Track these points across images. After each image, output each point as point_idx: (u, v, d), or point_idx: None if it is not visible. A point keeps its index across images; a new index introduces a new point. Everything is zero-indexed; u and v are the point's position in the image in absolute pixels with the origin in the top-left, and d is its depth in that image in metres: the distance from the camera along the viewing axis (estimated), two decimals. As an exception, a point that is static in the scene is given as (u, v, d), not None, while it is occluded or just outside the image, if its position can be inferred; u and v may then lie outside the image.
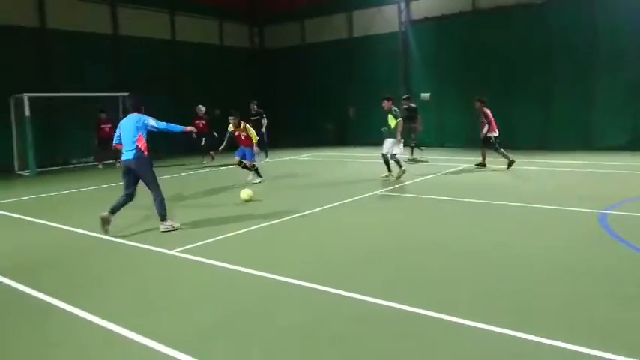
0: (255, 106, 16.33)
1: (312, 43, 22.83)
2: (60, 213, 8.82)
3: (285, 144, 20.67)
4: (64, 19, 17.17)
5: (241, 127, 11.51)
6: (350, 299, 4.45)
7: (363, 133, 19.94)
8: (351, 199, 9.17)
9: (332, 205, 8.66)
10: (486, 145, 12.68)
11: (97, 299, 4.75)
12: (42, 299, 4.77)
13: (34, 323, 4.27)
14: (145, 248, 6.42)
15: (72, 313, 4.41)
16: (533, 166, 12.95)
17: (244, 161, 11.64)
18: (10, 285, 5.20)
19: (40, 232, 7.61)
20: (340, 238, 6.72)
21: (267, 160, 16.05)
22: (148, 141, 7.10)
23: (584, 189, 9.60)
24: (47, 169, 15.42)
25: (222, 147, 12.32)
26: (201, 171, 14.36)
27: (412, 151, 15.20)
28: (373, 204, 9.00)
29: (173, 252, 6.13)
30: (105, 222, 6.99)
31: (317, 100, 22.51)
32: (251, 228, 7.22)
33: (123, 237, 6.98)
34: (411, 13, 19.68)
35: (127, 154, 6.99)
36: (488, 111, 12.58)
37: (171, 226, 7.24)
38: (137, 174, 7.09)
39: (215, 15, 22.50)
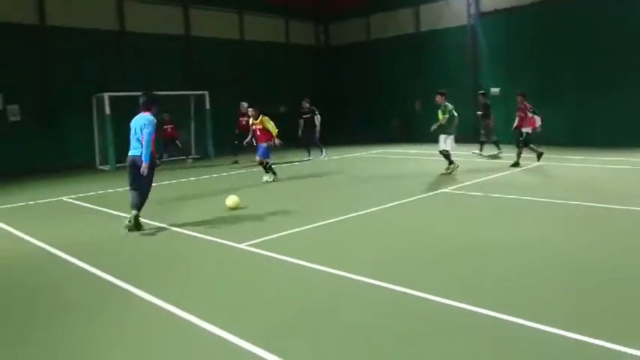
0: (307, 104, 16.10)
1: (377, 39, 22.65)
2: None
3: (349, 141, 20.63)
4: (140, 22, 18.11)
5: (259, 120, 11.24)
6: (416, 298, 4.41)
7: (430, 129, 19.48)
8: (417, 197, 9.06)
9: (396, 203, 8.58)
10: (525, 141, 12.36)
11: (168, 287, 4.99)
12: (115, 284, 5.07)
13: (107, 307, 4.57)
14: (213, 241, 6.66)
15: (142, 298, 4.68)
16: (618, 164, 12.22)
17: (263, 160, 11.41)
18: (87, 270, 5.57)
19: (115, 222, 8.06)
20: (405, 237, 6.67)
21: (326, 157, 16.04)
22: (154, 141, 7.40)
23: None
24: (126, 164, 16.26)
25: (247, 140, 12.37)
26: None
27: (481, 147, 14.94)
28: (440, 202, 8.83)
29: (242, 246, 6.31)
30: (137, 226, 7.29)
31: (382, 95, 22.31)
32: (314, 225, 7.30)
33: (189, 228, 7.29)
34: (480, 6, 19.09)
35: (135, 150, 7.31)
36: (529, 105, 12.37)
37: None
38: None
39: (281, 13, 22.88)
